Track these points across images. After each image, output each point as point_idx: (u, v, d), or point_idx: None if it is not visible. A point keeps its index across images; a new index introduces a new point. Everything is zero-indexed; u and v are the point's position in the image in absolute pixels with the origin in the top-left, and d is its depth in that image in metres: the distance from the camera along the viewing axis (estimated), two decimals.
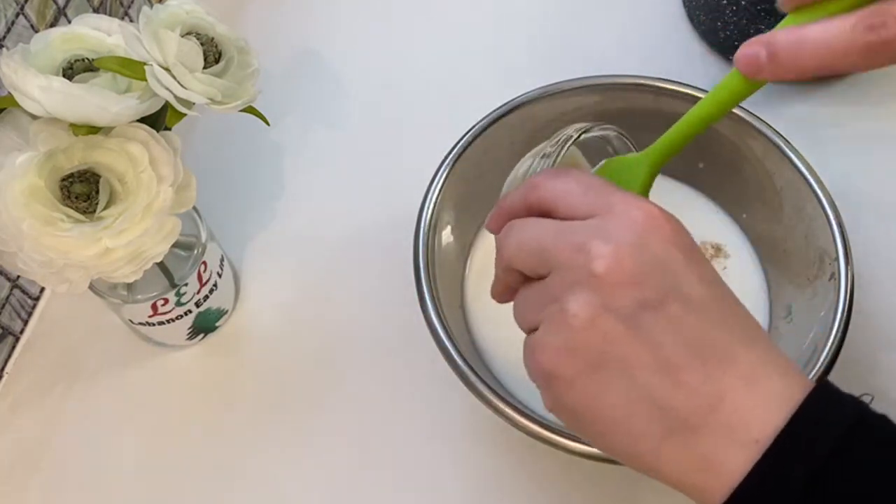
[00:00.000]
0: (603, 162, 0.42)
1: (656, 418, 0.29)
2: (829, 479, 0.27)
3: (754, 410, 0.29)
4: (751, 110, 0.50)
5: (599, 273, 0.30)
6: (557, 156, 0.38)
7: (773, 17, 0.59)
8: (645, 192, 0.39)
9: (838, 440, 0.28)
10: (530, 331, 0.33)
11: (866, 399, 0.30)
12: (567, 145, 0.39)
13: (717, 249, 0.53)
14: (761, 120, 0.50)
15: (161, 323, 0.50)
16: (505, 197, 0.36)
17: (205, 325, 0.54)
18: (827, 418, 0.28)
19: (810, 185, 0.48)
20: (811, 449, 0.28)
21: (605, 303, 0.29)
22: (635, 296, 0.30)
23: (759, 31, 0.59)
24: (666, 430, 0.29)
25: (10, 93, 0.39)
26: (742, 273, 0.52)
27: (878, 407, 0.31)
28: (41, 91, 0.38)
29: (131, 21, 0.59)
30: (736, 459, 0.28)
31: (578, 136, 0.39)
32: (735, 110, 0.50)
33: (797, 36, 0.30)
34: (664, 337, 0.29)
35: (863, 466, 0.28)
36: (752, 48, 0.31)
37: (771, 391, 0.29)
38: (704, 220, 0.54)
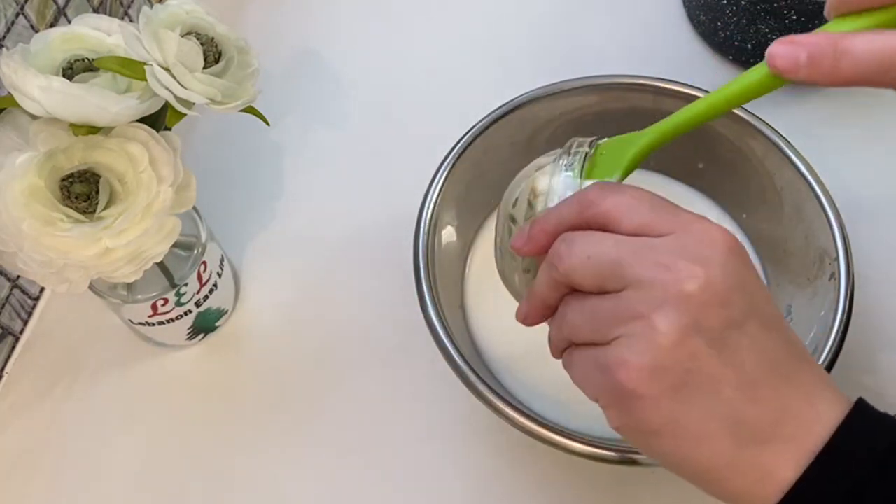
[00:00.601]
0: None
1: (729, 432, 0.30)
2: (876, 488, 0.29)
3: (813, 424, 0.30)
4: (751, 110, 0.50)
5: (691, 293, 0.30)
6: (581, 172, 0.37)
7: (773, 17, 0.58)
8: (631, 167, 0.38)
9: (883, 452, 0.29)
10: (584, 345, 0.32)
11: None
12: (586, 160, 0.38)
13: None
14: (761, 120, 0.50)
15: (161, 323, 0.50)
16: (548, 213, 0.35)
17: (205, 325, 0.54)
18: (872, 433, 0.30)
19: (810, 185, 0.48)
20: (859, 461, 0.29)
21: (696, 322, 0.30)
22: (722, 316, 0.30)
23: (758, 31, 0.60)
24: (738, 444, 0.30)
25: (10, 93, 0.39)
26: None
27: (879, 406, 0.31)
28: (41, 91, 0.38)
29: (131, 21, 0.60)
30: (794, 470, 0.29)
31: (592, 150, 0.38)
32: (735, 110, 0.50)
33: (842, 45, 0.29)
34: (746, 355, 0.30)
35: None
36: (791, 47, 0.30)
37: (825, 406, 0.31)
38: None
